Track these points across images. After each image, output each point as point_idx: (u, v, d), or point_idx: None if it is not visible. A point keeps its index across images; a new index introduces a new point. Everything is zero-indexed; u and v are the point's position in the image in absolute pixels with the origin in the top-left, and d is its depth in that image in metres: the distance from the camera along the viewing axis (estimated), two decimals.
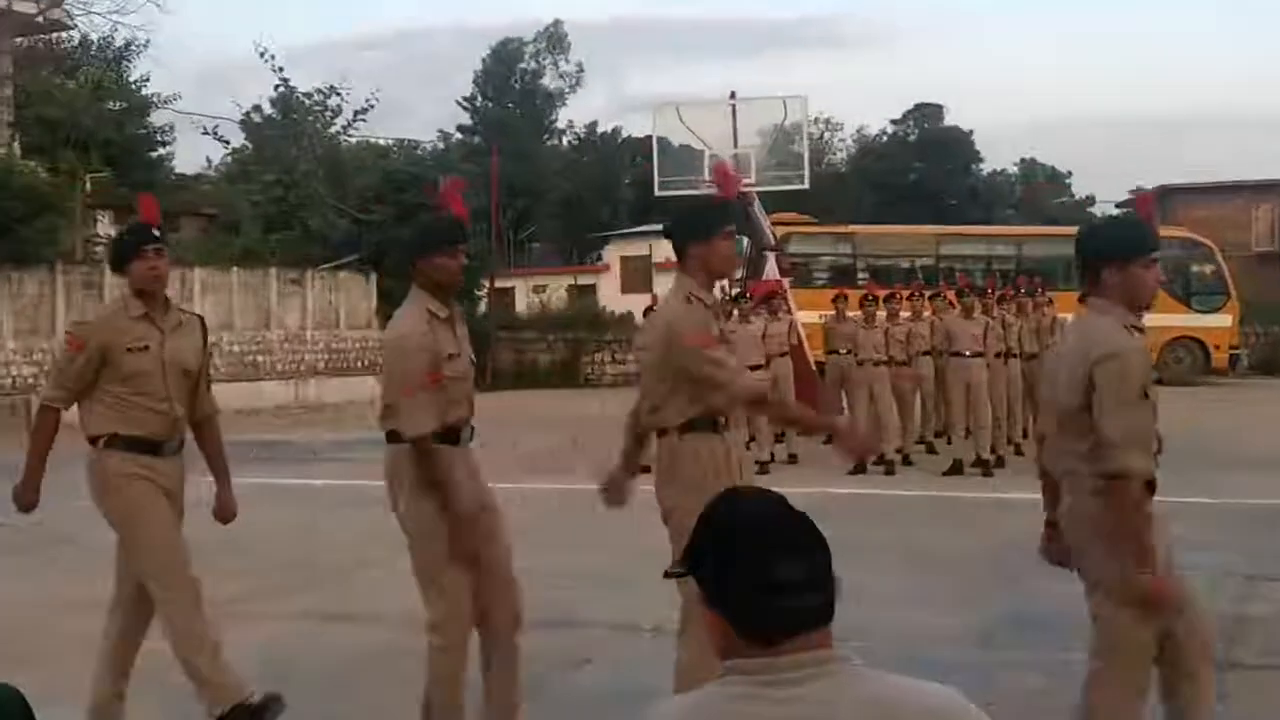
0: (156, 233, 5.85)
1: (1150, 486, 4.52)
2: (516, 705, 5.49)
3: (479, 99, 67.27)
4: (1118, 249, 4.72)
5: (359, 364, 32.52)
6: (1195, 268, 32.72)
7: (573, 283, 49.45)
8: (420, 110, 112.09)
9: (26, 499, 5.70)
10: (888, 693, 2.20)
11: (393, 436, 5.37)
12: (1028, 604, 8.42)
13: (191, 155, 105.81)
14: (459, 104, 67.82)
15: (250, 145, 37.43)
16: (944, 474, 15.14)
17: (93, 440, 5.66)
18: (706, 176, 23.47)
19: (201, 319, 6.15)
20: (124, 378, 5.59)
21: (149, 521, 5.65)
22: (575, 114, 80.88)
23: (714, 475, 5.18)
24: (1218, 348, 31.67)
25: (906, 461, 16.04)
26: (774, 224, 24.32)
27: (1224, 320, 31.93)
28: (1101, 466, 4.44)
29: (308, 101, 37.04)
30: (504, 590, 5.48)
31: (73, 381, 5.67)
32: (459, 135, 65.07)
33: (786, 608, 2.20)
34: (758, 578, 2.21)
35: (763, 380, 16.35)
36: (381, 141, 42.50)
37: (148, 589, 5.67)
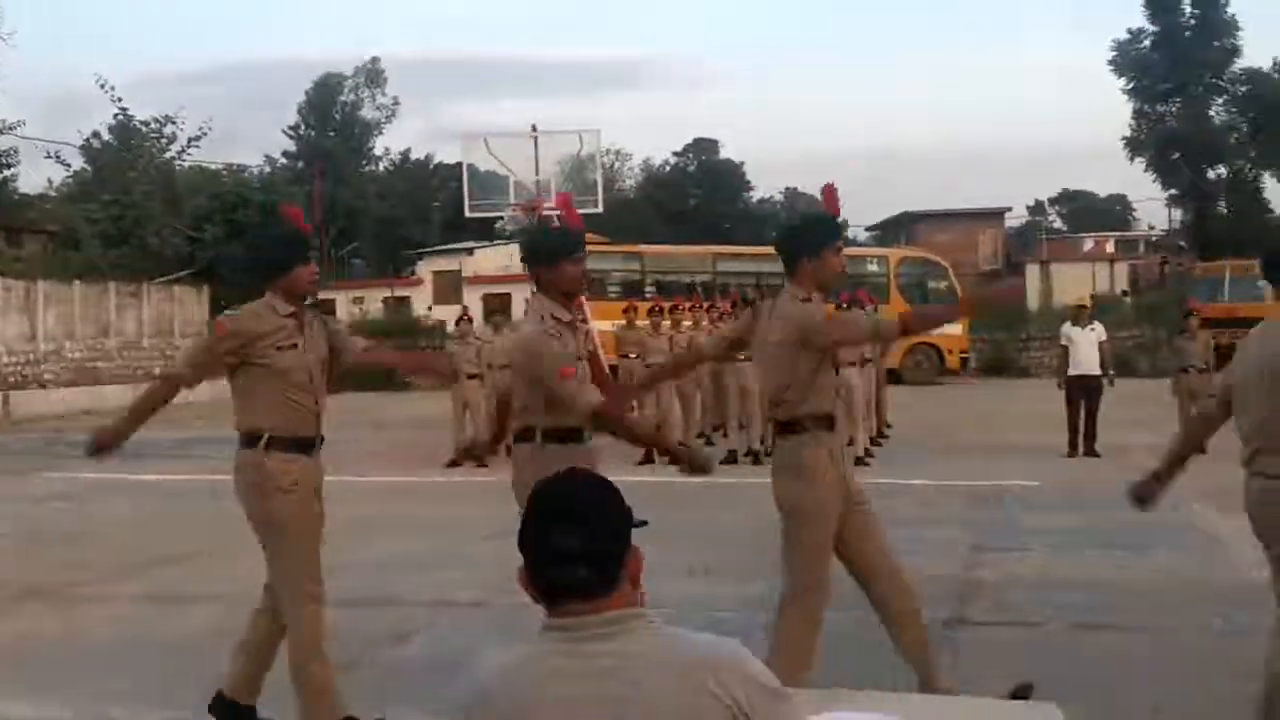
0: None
1: None
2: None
3: (303, 127, 66.35)
4: None
5: None
6: (932, 284, 33.79)
7: (389, 295, 48.87)
8: (249, 137, 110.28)
9: None
10: (684, 645, 2.31)
11: (522, 436, 5.24)
12: None
13: (37, 178, 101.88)
14: (285, 133, 66.94)
15: (89, 168, 36.32)
16: (721, 463, 15.32)
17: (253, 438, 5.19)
18: (512, 200, 23.45)
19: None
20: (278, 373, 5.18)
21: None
22: (392, 142, 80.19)
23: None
24: (950, 352, 32.81)
25: None
26: None
27: (955, 329, 33.09)
28: None
29: (144, 129, 36.06)
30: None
31: (206, 369, 5.29)
32: (284, 160, 64.11)
33: (554, 576, 2.29)
34: (534, 546, 2.31)
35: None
36: (213, 166, 41.58)
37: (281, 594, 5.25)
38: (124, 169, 34.58)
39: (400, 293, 49.80)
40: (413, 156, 69.73)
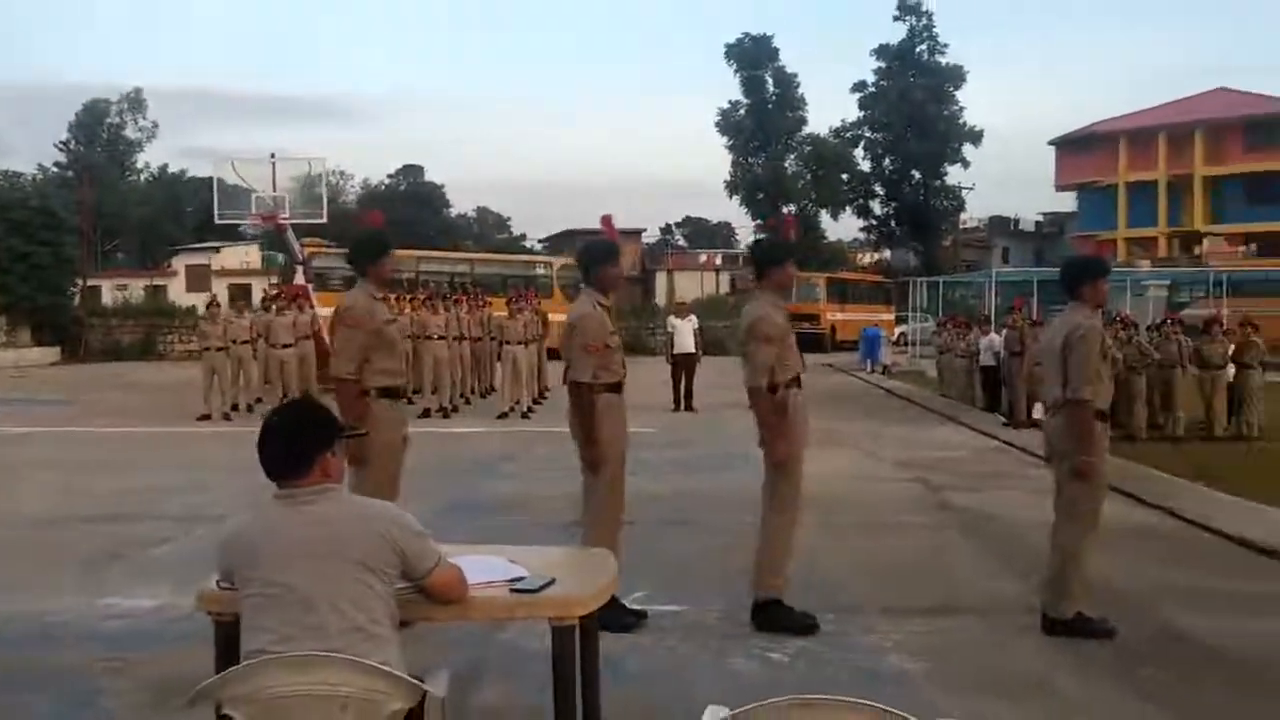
0: None
1: (1100, 414, 5.15)
2: None
3: (73, 143, 61.95)
4: (1090, 274, 5.29)
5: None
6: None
7: (148, 284, 46.26)
8: (22, 150, 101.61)
9: None
10: (363, 504, 2.83)
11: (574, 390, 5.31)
12: (465, 495, 9.15)
13: None
14: (56, 146, 62.26)
15: None
16: (418, 418, 15.55)
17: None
18: (253, 210, 22.82)
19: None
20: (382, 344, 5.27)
21: None
22: (151, 157, 75.24)
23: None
24: None
25: None
26: (303, 245, 24.00)
27: None
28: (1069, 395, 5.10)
29: None
30: None
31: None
32: (56, 169, 59.61)
33: (266, 463, 2.74)
34: (260, 445, 2.75)
35: (294, 354, 16.31)
36: None
37: None
38: None
39: (158, 282, 47.26)
40: (169, 170, 66.06)
